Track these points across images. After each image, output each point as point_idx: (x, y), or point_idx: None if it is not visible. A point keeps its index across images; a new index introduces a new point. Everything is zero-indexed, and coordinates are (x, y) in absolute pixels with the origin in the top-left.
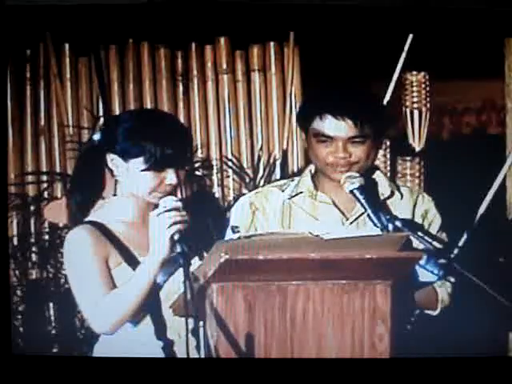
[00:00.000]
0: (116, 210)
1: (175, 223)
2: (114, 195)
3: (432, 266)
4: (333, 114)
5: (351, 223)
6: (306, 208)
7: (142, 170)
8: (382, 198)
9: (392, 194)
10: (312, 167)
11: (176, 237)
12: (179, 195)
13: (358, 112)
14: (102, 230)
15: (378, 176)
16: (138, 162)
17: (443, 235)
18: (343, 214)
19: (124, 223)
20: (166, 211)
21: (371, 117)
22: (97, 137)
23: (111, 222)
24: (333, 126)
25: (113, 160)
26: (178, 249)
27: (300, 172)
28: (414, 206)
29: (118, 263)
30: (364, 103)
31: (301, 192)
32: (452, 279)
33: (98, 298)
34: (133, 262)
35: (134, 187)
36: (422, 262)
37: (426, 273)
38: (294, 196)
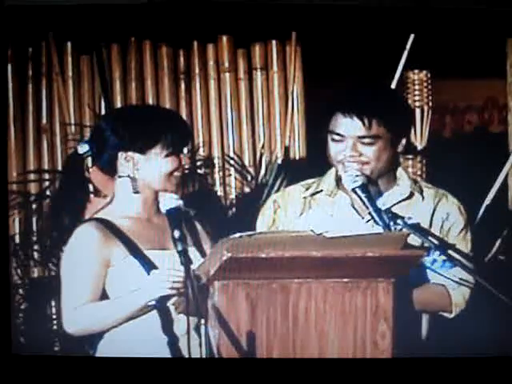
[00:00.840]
0: (122, 206)
1: (171, 288)
2: (136, 192)
3: (432, 264)
4: (342, 112)
5: (367, 221)
6: (324, 206)
7: (165, 156)
8: (400, 198)
9: (411, 195)
10: None
11: (177, 235)
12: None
13: (368, 111)
14: (108, 226)
15: (400, 175)
16: (157, 152)
17: (467, 238)
18: (359, 213)
19: (129, 218)
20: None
21: (383, 117)
22: (84, 149)
23: (117, 218)
24: (344, 124)
25: (126, 158)
26: (179, 247)
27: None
28: (435, 208)
29: (124, 256)
30: (377, 102)
31: (321, 190)
32: (469, 284)
33: (82, 302)
34: (139, 254)
35: (152, 177)
36: (422, 259)
37: (427, 270)
38: (314, 194)
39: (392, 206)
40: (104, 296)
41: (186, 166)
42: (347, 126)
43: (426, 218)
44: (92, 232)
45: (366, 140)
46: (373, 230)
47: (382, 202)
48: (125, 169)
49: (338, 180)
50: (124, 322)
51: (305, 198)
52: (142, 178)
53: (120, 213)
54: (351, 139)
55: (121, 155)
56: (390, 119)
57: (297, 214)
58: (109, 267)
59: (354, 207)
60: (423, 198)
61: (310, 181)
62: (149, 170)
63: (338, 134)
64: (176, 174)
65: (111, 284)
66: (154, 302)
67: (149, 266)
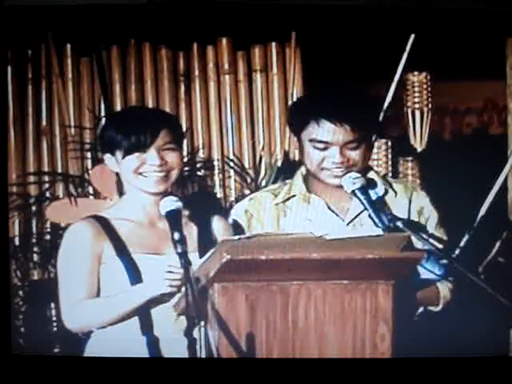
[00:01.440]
0: (124, 208)
1: (171, 286)
2: (121, 194)
3: (432, 266)
4: (330, 120)
5: (348, 224)
6: (300, 211)
7: (123, 156)
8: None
9: (386, 192)
10: (303, 169)
11: (177, 237)
12: (179, 194)
13: (354, 116)
14: (102, 223)
15: (371, 175)
16: (121, 152)
17: (441, 231)
18: (337, 215)
19: (128, 221)
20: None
21: (368, 121)
22: None
23: (115, 219)
24: (329, 131)
25: (109, 159)
26: (179, 249)
27: (292, 175)
28: (410, 202)
29: (110, 256)
30: (361, 107)
31: (294, 195)
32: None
33: (79, 298)
34: (124, 256)
35: (125, 173)
36: (422, 261)
37: (426, 272)
38: (287, 200)
39: None
40: (99, 291)
41: (155, 162)
42: (332, 132)
43: (404, 214)
44: (84, 227)
45: (353, 145)
46: (369, 233)
47: None
48: (114, 169)
49: (308, 184)
50: (122, 320)
51: (277, 204)
52: (124, 179)
53: (121, 215)
54: (337, 146)
55: (105, 158)
56: (366, 120)
57: (272, 221)
58: (100, 264)
59: (330, 209)
60: (396, 193)
61: (272, 187)
62: (122, 170)
63: (322, 142)
64: (144, 168)
65: (103, 282)
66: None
67: (132, 269)
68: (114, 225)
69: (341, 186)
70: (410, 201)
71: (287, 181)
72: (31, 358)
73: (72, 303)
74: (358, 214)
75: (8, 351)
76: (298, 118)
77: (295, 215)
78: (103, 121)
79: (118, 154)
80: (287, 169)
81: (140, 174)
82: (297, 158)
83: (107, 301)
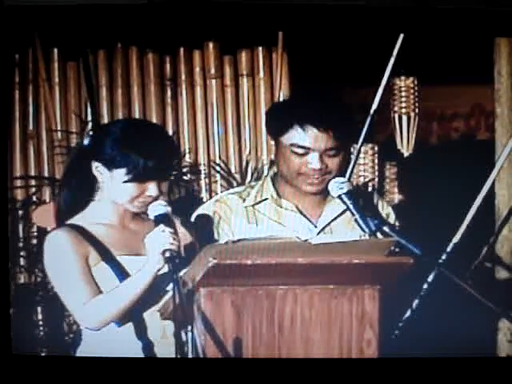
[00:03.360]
0: (95, 213)
1: (169, 250)
2: (97, 201)
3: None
4: (315, 125)
5: (319, 232)
6: (271, 215)
7: (124, 182)
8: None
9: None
10: (271, 173)
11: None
12: (166, 198)
13: (337, 124)
14: (80, 231)
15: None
16: (122, 173)
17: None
18: (309, 220)
19: (102, 225)
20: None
21: (347, 127)
22: (86, 142)
23: (90, 225)
24: (311, 137)
25: (97, 168)
26: (167, 254)
27: (258, 178)
28: (377, 210)
29: (97, 262)
30: (342, 115)
31: (266, 199)
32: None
33: (85, 297)
34: (111, 260)
35: (115, 195)
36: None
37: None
38: (258, 203)
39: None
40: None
41: (153, 195)
42: (314, 138)
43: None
44: (63, 233)
45: (332, 152)
46: (342, 239)
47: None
48: (98, 177)
49: (278, 188)
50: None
51: (246, 207)
52: (108, 192)
53: (91, 219)
54: (317, 152)
55: (93, 164)
56: (346, 129)
57: (242, 224)
58: (90, 268)
59: (302, 214)
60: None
61: (238, 189)
62: (112, 187)
63: (302, 147)
64: (140, 199)
65: (99, 282)
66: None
67: (120, 272)
68: (91, 230)
69: (313, 194)
70: (377, 208)
71: (252, 183)
72: (31, 358)
73: (81, 303)
74: (332, 221)
75: (8, 351)
76: (279, 121)
77: (266, 219)
78: (107, 129)
79: (117, 172)
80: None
81: (134, 201)
82: None
83: (116, 291)
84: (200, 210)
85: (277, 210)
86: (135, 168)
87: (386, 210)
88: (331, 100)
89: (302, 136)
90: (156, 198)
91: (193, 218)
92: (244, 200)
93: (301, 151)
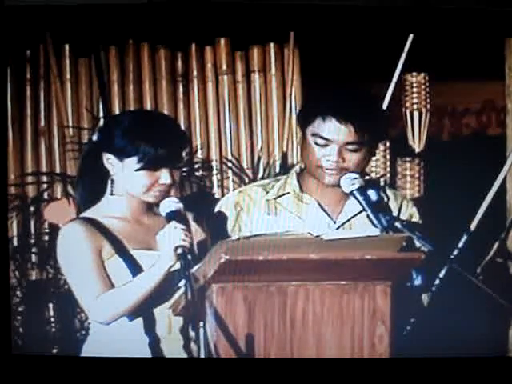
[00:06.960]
0: (109, 207)
1: (181, 246)
2: (112, 194)
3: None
4: (335, 117)
5: (337, 228)
6: (292, 209)
7: (136, 170)
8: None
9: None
10: (297, 168)
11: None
12: (178, 195)
13: (361, 118)
14: (94, 224)
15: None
16: (133, 162)
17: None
18: (329, 216)
19: (116, 218)
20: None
21: (372, 123)
22: (95, 137)
23: (103, 218)
24: (332, 129)
25: (109, 159)
26: (179, 250)
27: (285, 172)
28: (399, 210)
29: (110, 255)
30: (366, 109)
31: (287, 193)
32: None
33: (98, 291)
34: (124, 254)
35: (128, 186)
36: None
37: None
38: (279, 196)
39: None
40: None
41: (167, 182)
42: (335, 130)
43: None
44: (78, 226)
45: (353, 146)
46: (371, 233)
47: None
48: (110, 170)
49: (302, 183)
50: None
51: (268, 200)
52: (121, 183)
53: (105, 212)
54: (337, 145)
55: (104, 156)
56: (374, 126)
57: (262, 217)
58: (104, 261)
59: (323, 209)
60: (388, 198)
61: (262, 182)
62: (125, 178)
63: (323, 138)
64: (155, 188)
65: (112, 277)
66: (176, 265)
67: (134, 266)
68: (104, 223)
69: (334, 186)
70: (400, 209)
71: (278, 177)
72: (31, 358)
73: (93, 296)
74: (351, 218)
75: (8, 351)
76: (305, 113)
77: (286, 213)
78: (117, 120)
79: (128, 161)
80: (285, 169)
81: (149, 190)
82: (295, 159)
83: (128, 286)
84: (223, 200)
85: (298, 205)
86: (146, 156)
87: (410, 211)
88: (356, 94)
89: (323, 127)
90: (170, 187)
91: (216, 209)
92: (267, 193)
93: (322, 142)
